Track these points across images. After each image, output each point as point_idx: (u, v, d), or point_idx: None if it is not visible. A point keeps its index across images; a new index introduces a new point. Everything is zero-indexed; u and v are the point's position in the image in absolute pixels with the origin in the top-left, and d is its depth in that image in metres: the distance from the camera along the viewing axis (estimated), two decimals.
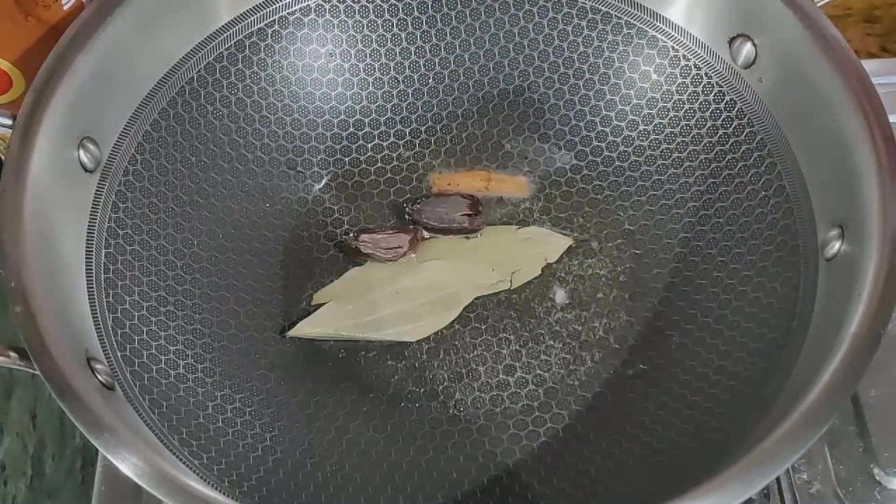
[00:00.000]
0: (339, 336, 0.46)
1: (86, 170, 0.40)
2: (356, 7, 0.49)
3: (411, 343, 0.46)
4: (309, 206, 0.50)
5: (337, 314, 0.46)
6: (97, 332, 0.38)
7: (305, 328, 0.46)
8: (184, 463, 0.37)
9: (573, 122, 0.50)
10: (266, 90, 0.48)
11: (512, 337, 0.46)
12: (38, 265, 0.35)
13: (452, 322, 0.47)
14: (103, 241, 0.40)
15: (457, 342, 0.46)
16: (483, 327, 0.47)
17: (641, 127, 0.49)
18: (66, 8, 0.45)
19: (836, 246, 0.38)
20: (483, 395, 0.44)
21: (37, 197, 0.36)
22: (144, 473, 0.31)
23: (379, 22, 0.49)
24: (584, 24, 0.49)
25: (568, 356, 0.45)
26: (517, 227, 0.49)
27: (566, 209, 0.50)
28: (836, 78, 0.39)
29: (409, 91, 0.51)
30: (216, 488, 0.36)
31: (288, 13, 0.48)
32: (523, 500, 0.40)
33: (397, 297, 0.47)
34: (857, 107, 0.38)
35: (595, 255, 0.48)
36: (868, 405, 0.43)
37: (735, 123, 0.45)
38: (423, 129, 0.52)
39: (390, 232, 0.48)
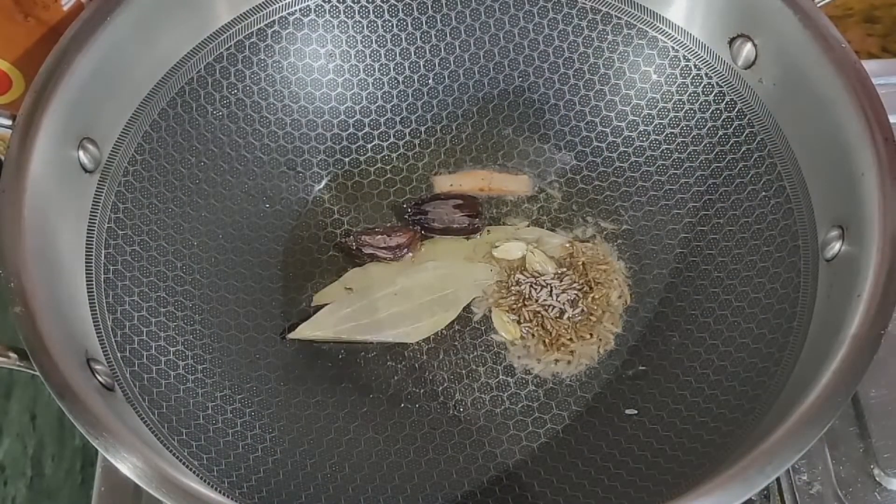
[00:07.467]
0: (339, 338, 0.46)
1: (85, 170, 0.40)
2: (356, 7, 0.49)
3: (411, 344, 0.46)
4: (309, 206, 0.50)
5: (337, 316, 0.46)
6: (97, 333, 0.38)
7: (306, 331, 0.46)
8: (183, 464, 0.37)
9: (573, 122, 0.50)
10: (266, 90, 0.48)
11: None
12: (37, 266, 0.35)
13: (452, 322, 0.46)
14: (103, 241, 0.40)
15: (456, 343, 0.46)
16: (483, 327, 0.46)
17: (641, 127, 0.49)
18: (65, 8, 0.45)
19: (836, 246, 0.38)
20: (483, 395, 0.44)
21: (36, 197, 0.36)
22: (144, 474, 0.31)
23: (379, 22, 0.49)
24: (584, 24, 0.49)
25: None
26: (517, 227, 0.49)
27: (566, 209, 0.50)
28: (836, 78, 0.39)
29: (409, 91, 0.51)
30: (216, 489, 0.36)
31: (288, 13, 0.48)
32: (523, 500, 0.40)
33: (397, 298, 0.47)
34: (857, 107, 0.38)
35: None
36: (868, 406, 0.43)
37: (735, 124, 0.45)
38: (422, 129, 0.52)
39: (390, 232, 0.48)
